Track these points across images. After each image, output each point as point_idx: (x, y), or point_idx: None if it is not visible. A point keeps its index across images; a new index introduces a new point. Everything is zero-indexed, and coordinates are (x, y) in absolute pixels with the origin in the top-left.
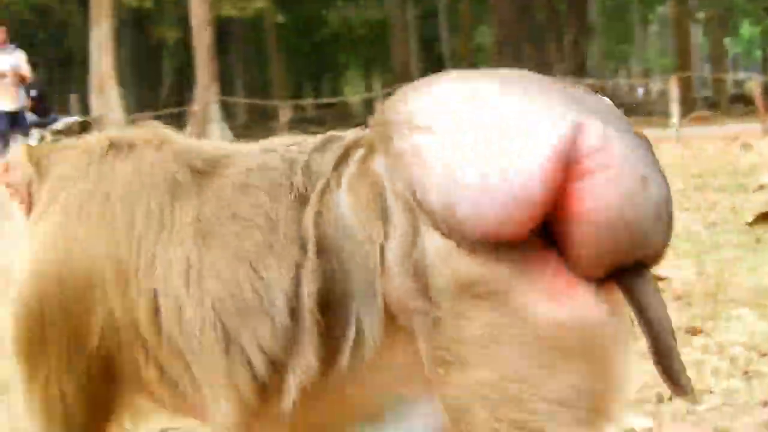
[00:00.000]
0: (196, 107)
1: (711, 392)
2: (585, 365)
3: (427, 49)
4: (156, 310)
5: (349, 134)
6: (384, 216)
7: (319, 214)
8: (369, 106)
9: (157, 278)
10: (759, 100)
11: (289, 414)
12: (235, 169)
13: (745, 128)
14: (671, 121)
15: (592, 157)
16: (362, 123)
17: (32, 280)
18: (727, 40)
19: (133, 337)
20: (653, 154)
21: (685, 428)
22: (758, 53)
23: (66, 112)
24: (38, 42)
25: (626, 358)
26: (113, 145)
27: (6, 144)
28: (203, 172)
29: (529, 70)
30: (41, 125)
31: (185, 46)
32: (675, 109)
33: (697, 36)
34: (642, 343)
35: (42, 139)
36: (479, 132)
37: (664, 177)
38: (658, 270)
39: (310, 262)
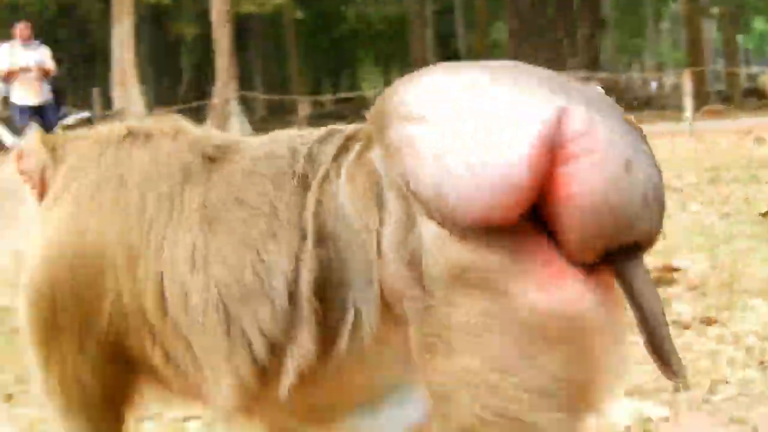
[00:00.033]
0: (215, 102)
1: (727, 382)
2: (568, 354)
3: (443, 44)
4: (162, 294)
5: (351, 127)
6: (380, 205)
7: (319, 202)
8: None
9: (165, 262)
10: None
11: (287, 397)
12: (243, 157)
13: (759, 122)
14: (684, 115)
15: (577, 142)
16: None
17: (45, 265)
18: (739, 36)
19: (140, 320)
20: (642, 140)
21: (701, 417)
22: None
23: (89, 106)
24: (62, 38)
25: (615, 347)
26: (130, 134)
27: None
28: (214, 158)
29: (543, 64)
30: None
31: (204, 42)
32: (688, 102)
33: (710, 31)
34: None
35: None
36: (468, 120)
37: (652, 162)
38: (672, 261)
39: (309, 250)
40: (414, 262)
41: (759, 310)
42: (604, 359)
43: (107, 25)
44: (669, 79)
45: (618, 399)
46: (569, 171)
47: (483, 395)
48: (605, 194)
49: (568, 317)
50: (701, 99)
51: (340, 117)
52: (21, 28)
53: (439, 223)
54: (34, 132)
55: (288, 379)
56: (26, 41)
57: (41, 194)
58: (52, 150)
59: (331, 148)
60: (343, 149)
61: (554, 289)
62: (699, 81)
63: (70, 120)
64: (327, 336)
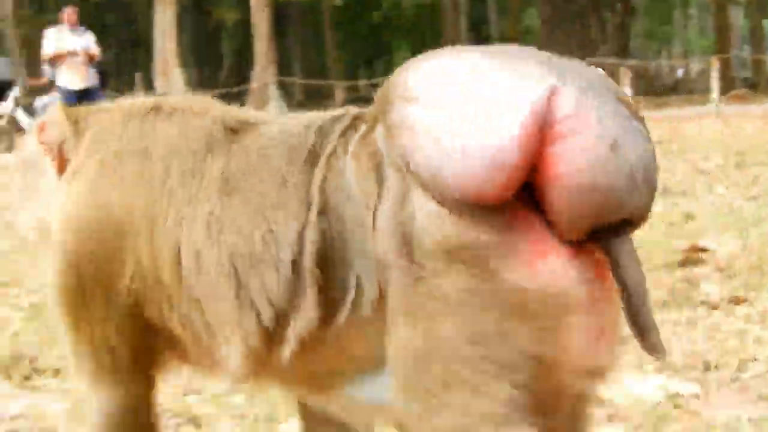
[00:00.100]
0: (254, 87)
1: (755, 360)
2: (544, 333)
3: (476, 31)
4: (178, 260)
5: (362, 109)
6: (380, 182)
7: (324, 178)
8: None
9: (183, 229)
10: None
11: (290, 363)
12: (262, 131)
13: None
14: (711, 97)
15: (565, 122)
16: None
17: (69, 235)
18: (765, 22)
19: (158, 287)
20: (636, 121)
21: (730, 395)
22: None
23: (132, 91)
24: (107, 24)
25: (597, 329)
26: (155, 108)
27: None
28: (236, 131)
29: (574, 50)
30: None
31: (244, 28)
32: (715, 87)
33: (738, 18)
34: (686, 313)
35: None
36: (463, 101)
37: (644, 143)
38: (700, 242)
39: (313, 223)
40: (406, 236)
41: None
42: (581, 340)
43: (151, 11)
44: (696, 66)
45: (648, 376)
46: (558, 151)
47: (453, 364)
48: (592, 174)
49: (550, 297)
50: (727, 84)
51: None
52: (68, 13)
53: (434, 200)
54: (57, 105)
55: (290, 345)
56: (73, 26)
57: (61, 166)
58: (74, 123)
59: (340, 127)
60: (351, 128)
61: (539, 269)
62: (725, 67)
63: None
64: (329, 306)
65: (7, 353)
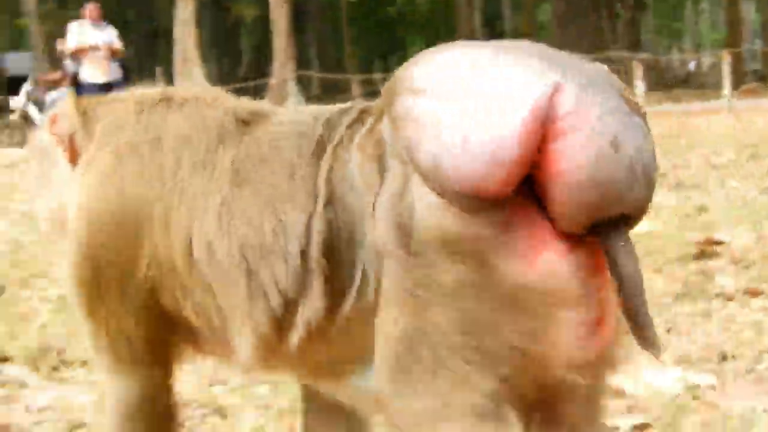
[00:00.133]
0: (273, 82)
1: None
2: (534, 327)
3: (490, 26)
4: (191, 250)
5: (369, 102)
6: (382, 172)
7: (330, 169)
8: None
9: (195, 219)
10: None
11: (298, 351)
12: (272, 123)
13: None
14: (723, 93)
15: (566, 119)
16: None
17: (84, 226)
18: None
19: (172, 275)
20: (636, 116)
21: (746, 386)
22: None
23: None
24: (128, 19)
25: (589, 325)
26: (165, 98)
27: None
28: (247, 122)
29: (587, 45)
30: None
31: (263, 23)
32: (726, 82)
33: (749, 12)
34: (701, 305)
35: None
36: (466, 95)
37: (644, 139)
38: (715, 235)
39: (319, 213)
40: (404, 226)
41: None
42: (572, 336)
43: (171, 6)
44: (707, 60)
45: (666, 368)
46: (559, 147)
47: (442, 352)
48: (592, 170)
49: (544, 292)
50: (739, 78)
51: None
52: (90, 9)
53: (434, 192)
54: (68, 96)
55: (298, 333)
56: (95, 21)
57: (72, 156)
58: (83, 114)
59: (347, 119)
60: (358, 120)
61: (535, 264)
62: (737, 61)
63: None
64: (335, 295)
65: (35, 345)
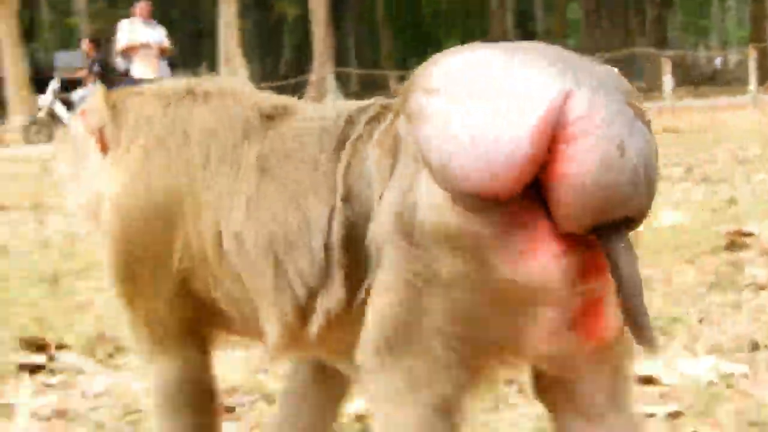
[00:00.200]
0: (313, 79)
1: None
2: (524, 325)
3: (522, 24)
4: (220, 240)
5: (389, 99)
6: (394, 167)
7: (348, 165)
8: None
9: (223, 210)
10: None
11: (317, 336)
12: (296, 117)
13: None
14: (748, 89)
15: (577, 124)
16: None
17: (119, 216)
18: None
19: (203, 264)
20: (640, 120)
21: None
22: None
23: None
24: (174, 18)
25: (587, 323)
26: (189, 91)
27: None
28: (271, 117)
29: (615, 43)
30: None
31: (304, 22)
32: (752, 78)
33: None
34: (732, 296)
35: None
36: (478, 96)
37: (648, 143)
38: (743, 227)
39: (339, 209)
40: (409, 217)
41: None
42: (561, 335)
43: (215, 6)
44: (734, 56)
45: (699, 357)
46: (567, 151)
47: (428, 336)
48: (599, 174)
49: (539, 291)
50: (765, 74)
51: None
52: (141, 7)
53: (442, 189)
54: (98, 89)
55: (318, 321)
56: (146, 20)
57: (103, 148)
58: (113, 107)
59: (366, 116)
60: (377, 117)
61: (532, 265)
62: (763, 57)
63: None
64: (354, 287)
65: (91, 333)
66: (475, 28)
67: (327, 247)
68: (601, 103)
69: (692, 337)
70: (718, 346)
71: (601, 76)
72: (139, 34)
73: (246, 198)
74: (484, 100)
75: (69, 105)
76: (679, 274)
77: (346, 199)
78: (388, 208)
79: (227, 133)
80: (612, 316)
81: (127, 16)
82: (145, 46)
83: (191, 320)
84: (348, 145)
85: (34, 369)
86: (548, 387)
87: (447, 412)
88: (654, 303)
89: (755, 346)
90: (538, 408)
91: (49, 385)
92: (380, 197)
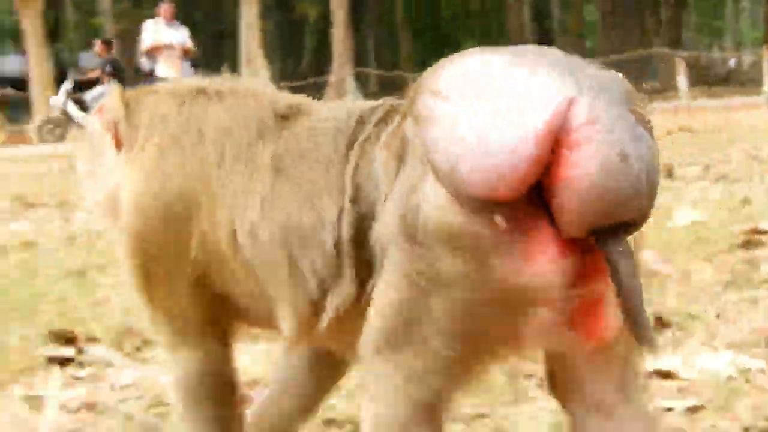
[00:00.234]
0: (333, 79)
1: None
2: (522, 325)
3: (539, 24)
4: (235, 237)
5: (399, 100)
6: (401, 169)
7: (356, 166)
8: None
9: (238, 208)
10: None
11: (327, 330)
12: (309, 117)
13: None
14: (762, 90)
15: (580, 131)
16: None
17: (137, 214)
18: None
19: (219, 259)
20: (642, 127)
21: None
22: None
23: None
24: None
25: (584, 323)
26: (201, 90)
27: None
28: (286, 116)
29: (630, 43)
30: None
31: (324, 22)
32: (766, 78)
33: None
34: (748, 293)
35: None
36: (484, 101)
37: (648, 151)
38: (759, 225)
39: (347, 207)
40: (413, 217)
41: None
42: (556, 335)
43: (236, 8)
44: (748, 57)
45: (718, 352)
46: (569, 157)
47: (428, 334)
48: (600, 181)
49: (540, 292)
50: None
51: None
52: (165, 8)
53: (447, 191)
54: (114, 87)
55: (328, 315)
56: (170, 21)
57: (117, 144)
58: (127, 105)
59: (376, 116)
60: (386, 118)
61: (531, 268)
62: None
63: None
64: (362, 283)
65: (119, 326)
66: (492, 30)
67: (338, 245)
68: (603, 109)
69: (710, 333)
70: (734, 342)
71: (604, 81)
72: (163, 35)
73: (261, 196)
74: (490, 104)
75: (82, 105)
76: (696, 272)
77: (354, 199)
78: (392, 209)
79: (242, 131)
80: (612, 316)
81: (152, 17)
82: (169, 47)
83: (210, 313)
84: (357, 146)
85: (63, 362)
86: (559, 383)
87: (438, 411)
88: (671, 300)
89: None
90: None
91: (77, 378)
92: (385, 198)
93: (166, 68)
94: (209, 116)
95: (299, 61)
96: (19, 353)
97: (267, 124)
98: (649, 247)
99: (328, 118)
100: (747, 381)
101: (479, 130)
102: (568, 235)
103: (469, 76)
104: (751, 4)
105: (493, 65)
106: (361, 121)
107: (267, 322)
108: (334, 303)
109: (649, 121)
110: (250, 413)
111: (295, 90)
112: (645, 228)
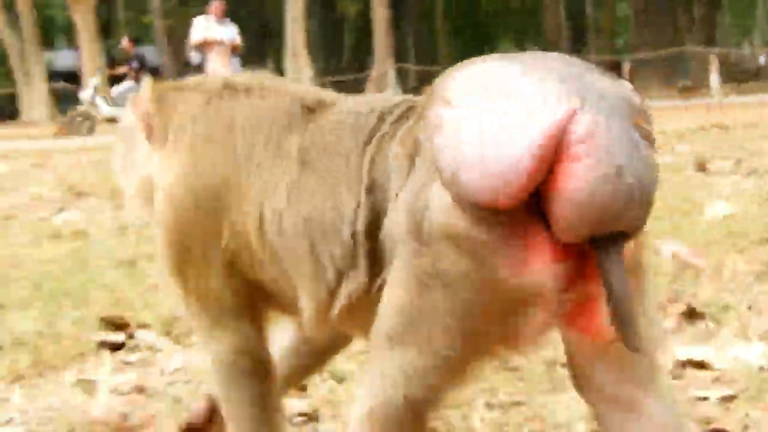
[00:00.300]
0: (374, 74)
1: None
2: (511, 323)
3: (573, 21)
4: (262, 225)
5: (418, 98)
6: (412, 169)
7: (372, 160)
8: None
9: (266, 197)
10: None
11: (340, 316)
12: (334, 110)
13: None
14: None
15: (578, 146)
16: None
17: (172, 204)
18: None
19: (248, 247)
20: (643, 144)
21: None
22: None
23: None
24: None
25: (579, 323)
26: (227, 87)
27: None
28: (312, 110)
29: (663, 41)
30: None
31: (365, 19)
32: None
33: None
34: None
35: None
36: (488, 111)
37: (646, 166)
38: None
39: (362, 200)
40: (420, 218)
41: None
42: (548, 333)
43: (281, 5)
44: None
45: (752, 343)
46: (566, 170)
47: (433, 331)
48: (593, 195)
49: (535, 293)
50: None
51: None
52: (216, 6)
53: (450, 197)
54: (147, 82)
55: (341, 302)
56: (220, 18)
57: (149, 137)
58: (157, 99)
59: (396, 113)
60: (404, 116)
61: (527, 269)
62: None
63: None
64: (375, 273)
65: (167, 313)
66: (529, 26)
67: (354, 236)
68: (603, 123)
69: (742, 324)
70: (767, 333)
71: (609, 94)
72: (213, 31)
73: (287, 187)
74: (493, 114)
75: (110, 99)
76: (728, 264)
77: (369, 192)
78: (402, 207)
79: (271, 124)
80: (603, 319)
81: (198, 14)
82: (219, 43)
83: (243, 298)
84: (374, 141)
85: (114, 347)
86: (577, 379)
87: (428, 411)
88: (704, 292)
89: None
90: None
91: (128, 363)
92: (397, 195)
93: (216, 63)
94: (239, 111)
95: (340, 58)
96: (72, 339)
97: (295, 117)
98: (682, 241)
99: (352, 112)
100: None
101: (480, 140)
102: (564, 241)
103: (475, 85)
104: None
105: (499, 74)
106: (381, 118)
107: (289, 306)
108: (346, 291)
109: (651, 133)
110: None
111: (336, 85)
112: (678, 222)
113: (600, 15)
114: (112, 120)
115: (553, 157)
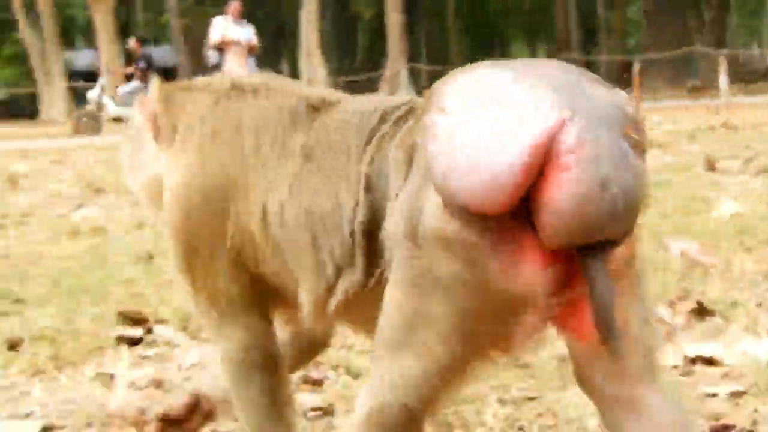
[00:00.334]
0: (387, 74)
1: None
2: (508, 324)
3: (584, 22)
4: (265, 219)
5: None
6: (409, 172)
7: (371, 160)
8: None
9: (270, 190)
10: None
11: (336, 311)
12: (338, 109)
13: None
14: None
15: (566, 156)
16: None
17: (180, 202)
18: None
19: (251, 242)
20: (631, 155)
21: None
22: None
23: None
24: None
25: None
26: (235, 87)
27: None
28: (317, 108)
29: (673, 41)
30: None
31: (378, 20)
32: None
33: None
34: None
35: None
36: (480, 119)
37: (632, 178)
38: None
39: (361, 199)
40: (414, 221)
41: None
42: (537, 336)
43: (296, 6)
44: None
45: (761, 338)
46: (553, 179)
47: (431, 336)
48: (578, 206)
49: (520, 296)
50: None
51: None
52: (234, 6)
53: (442, 201)
54: (155, 82)
55: (336, 298)
56: (237, 19)
57: (157, 137)
58: (164, 100)
59: (396, 114)
60: (405, 117)
61: (515, 273)
62: None
63: None
64: (370, 270)
65: (185, 308)
66: (540, 26)
67: (353, 233)
68: (593, 133)
69: (751, 320)
70: None
71: (601, 103)
72: (231, 31)
73: (290, 182)
74: (483, 122)
75: (116, 99)
76: (737, 262)
77: (368, 191)
78: (400, 210)
79: (277, 122)
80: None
81: (215, 14)
82: (236, 43)
83: (249, 292)
84: (374, 140)
85: (132, 342)
86: (579, 379)
87: (424, 416)
88: (714, 289)
89: None
90: None
91: (145, 357)
92: (396, 196)
93: (233, 63)
94: (246, 111)
95: (354, 58)
96: (91, 334)
97: (300, 115)
98: (691, 239)
99: (356, 112)
100: None
101: (472, 147)
102: (550, 247)
103: (469, 92)
104: None
105: (492, 82)
106: (383, 118)
107: (290, 300)
108: (343, 287)
109: (642, 143)
110: None
111: (350, 85)
112: (688, 220)
113: (611, 15)
114: (118, 119)
115: (542, 165)
